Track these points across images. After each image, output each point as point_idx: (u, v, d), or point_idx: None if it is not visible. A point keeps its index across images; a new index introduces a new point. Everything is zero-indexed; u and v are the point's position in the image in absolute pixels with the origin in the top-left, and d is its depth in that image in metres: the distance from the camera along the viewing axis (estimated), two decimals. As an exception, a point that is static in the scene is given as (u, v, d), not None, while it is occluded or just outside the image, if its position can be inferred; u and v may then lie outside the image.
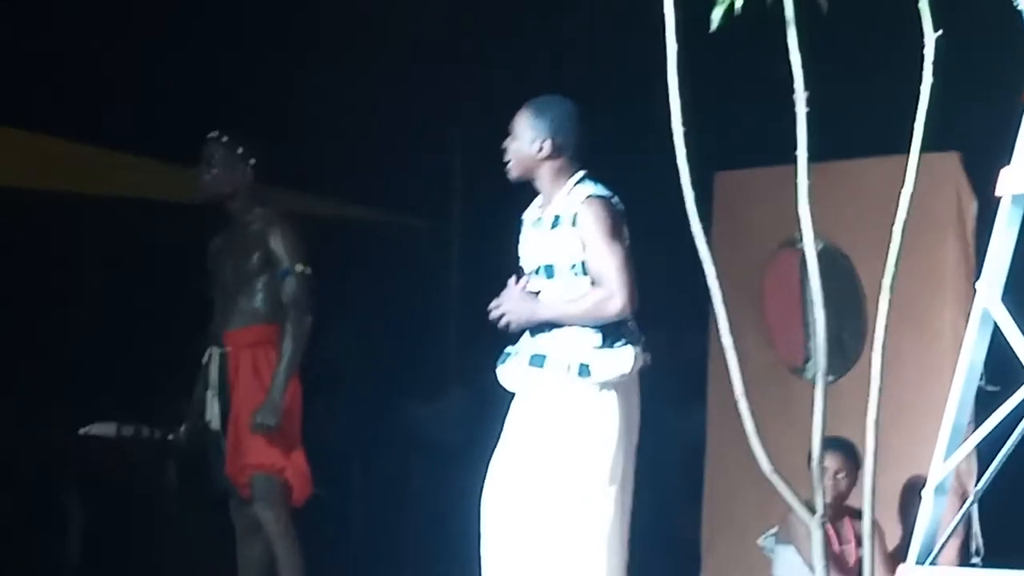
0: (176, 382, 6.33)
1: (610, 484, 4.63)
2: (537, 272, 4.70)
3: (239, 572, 6.06)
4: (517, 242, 4.86)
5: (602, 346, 4.61)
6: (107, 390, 8.46)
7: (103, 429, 6.69)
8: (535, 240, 4.74)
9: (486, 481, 4.68)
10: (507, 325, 4.66)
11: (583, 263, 4.64)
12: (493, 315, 4.67)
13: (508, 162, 4.73)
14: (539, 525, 4.57)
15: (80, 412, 7.94)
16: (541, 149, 4.70)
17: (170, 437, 6.27)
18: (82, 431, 6.67)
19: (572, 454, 4.59)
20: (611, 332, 4.63)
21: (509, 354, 4.72)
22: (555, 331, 4.62)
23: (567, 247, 4.65)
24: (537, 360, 4.63)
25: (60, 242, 8.80)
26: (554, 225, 4.69)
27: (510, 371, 4.70)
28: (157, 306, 8.70)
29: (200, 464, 6.22)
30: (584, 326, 4.61)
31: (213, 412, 5.96)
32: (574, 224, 4.64)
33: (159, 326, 8.58)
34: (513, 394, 4.76)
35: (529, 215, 4.83)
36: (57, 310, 8.91)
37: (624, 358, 4.64)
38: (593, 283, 4.63)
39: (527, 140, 4.71)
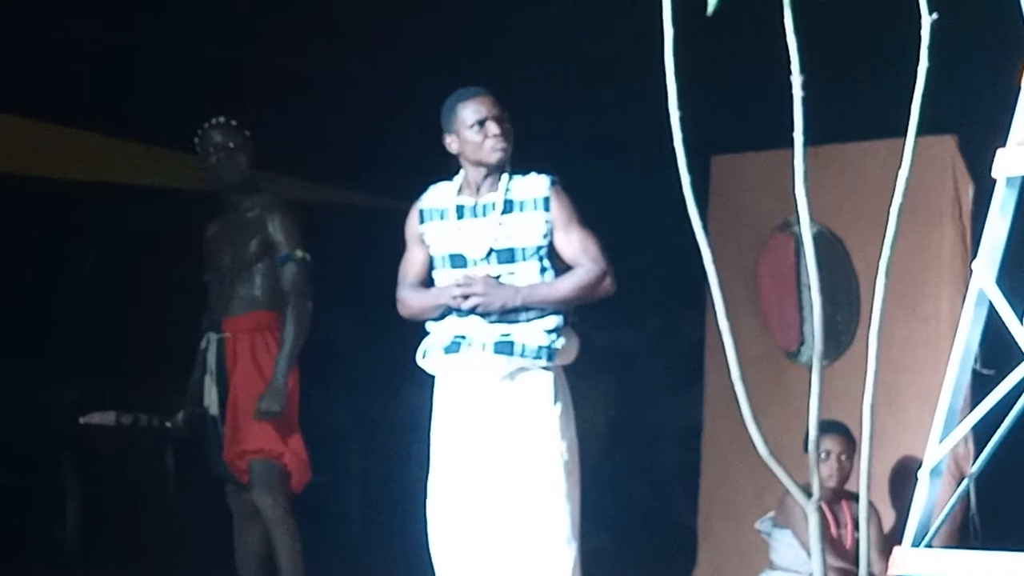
0: (174, 368, 6.33)
1: (578, 463, 4.65)
2: (487, 259, 4.66)
3: (237, 558, 6.07)
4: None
5: (561, 330, 4.63)
6: (106, 376, 8.46)
7: (102, 418, 6.70)
8: (479, 227, 4.68)
9: (467, 476, 4.62)
10: (472, 308, 4.61)
11: (548, 247, 4.65)
12: (466, 304, 4.61)
13: (505, 146, 4.69)
14: (522, 513, 4.58)
15: (80, 398, 7.93)
16: None
17: (168, 424, 6.27)
18: (82, 420, 6.67)
19: (554, 436, 4.60)
20: (567, 316, 4.66)
21: (459, 342, 4.65)
22: (519, 315, 4.62)
23: (534, 231, 4.65)
24: (504, 347, 4.61)
25: (60, 229, 8.80)
26: (508, 210, 4.67)
27: (467, 359, 4.63)
28: (155, 292, 8.70)
29: (198, 450, 6.23)
30: (551, 310, 4.61)
31: (211, 398, 5.97)
32: (547, 208, 4.64)
33: (156, 312, 8.59)
34: (432, 380, 4.74)
35: (447, 203, 4.74)
36: (55, 297, 8.91)
37: (576, 341, 4.68)
38: (552, 266, 4.64)
39: (509, 125, 4.71)
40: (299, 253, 5.88)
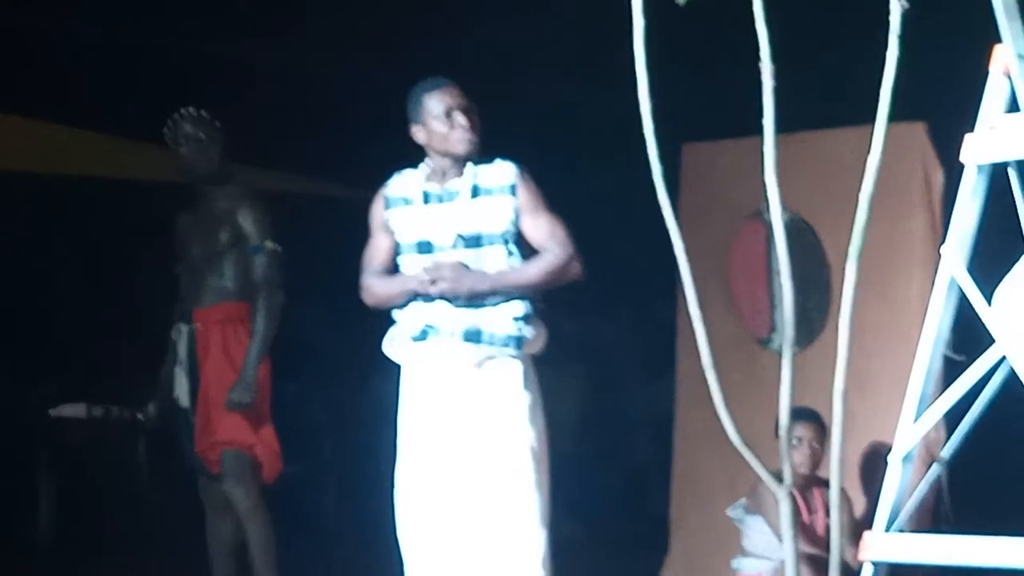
0: (146, 360, 6.31)
1: (547, 451, 4.66)
2: (454, 244, 4.65)
3: (209, 549, 6.06)
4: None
5: (529, 318, 4.63)
6: (77, 369, 8.44)
7: (73, 410, 6.70)
8: (446, 213, 4.67)
9: (435, 465, 4.60)
10: (440, 294, 4.59)
11: (515, 232, 4.65)
12: (434, 289, 4.61)
13: (472, 138, 4.69)
14: (491, 503, 4.58)
15: (51, 391, 7.92)
16: None
17: (139, 415, 6.26)
18: (52, 412, 6.67)
19: (523, 425, 4.60)
20: (535, 303, 4.66)
21: (427, 331, 4.63)
22: (486, 302, 4.61)
23: (501, 216, 4.65)
24: (473, 335, 4.61)
25: (28, 223, 8.76)
26: (475, 196, 4.65)
27: (435, 347, 4.62)
28: (124, 284, 8.68)
29: (170, 442, 6.21)
30: (518, 297, 4.61)
31: (182, 389, 5.96)
32: (514, 194, 4.64)
33: (127, 304, 8.57)
34: (398, 369, 4.73)
35: (413, 190, 4.73)
36: (25, 290, 8.88)
37: (544, 329, 4.68)
38: (519, 252, 4.65)
39: (476, 115, 4.71)
40: (269, 244, 5.87)
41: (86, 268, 9.03)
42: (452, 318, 4.61)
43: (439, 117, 4.65)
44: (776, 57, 2.68)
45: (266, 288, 5.83)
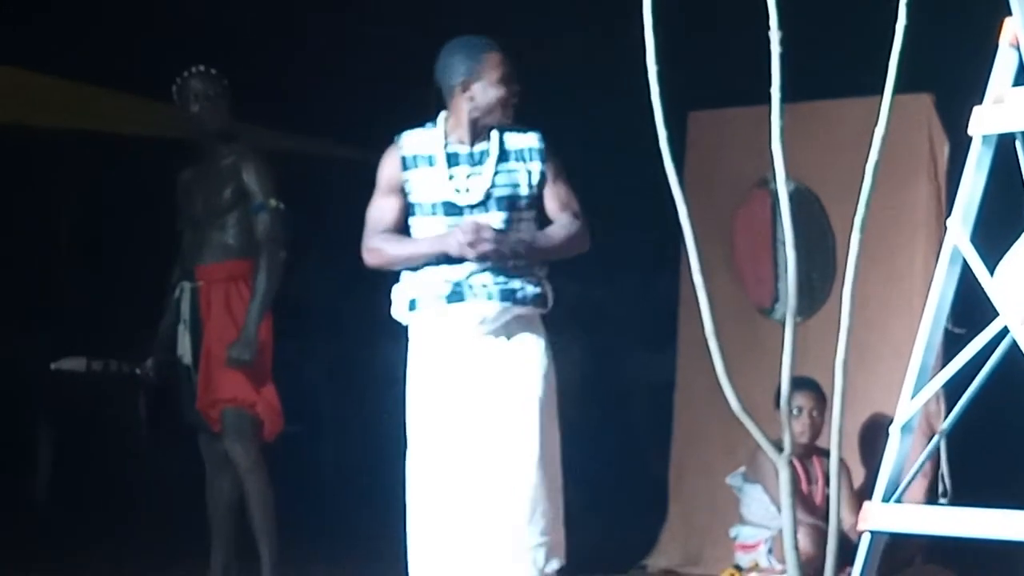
0: (146, 315, 6.31)
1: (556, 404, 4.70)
2: (485, 205, 4.63)
3: (208, 507, 6.06)
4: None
5: (546, 278, 4.68)
6: (77, 324, 8.45)
7: (73, 364, 6.70)
8: (475, 175, 4.64)
9: (457, 427, 4.59)
10: (481, 257, 4.56)
11: (537, 197, 4.68)
12: (471, 251, 4.54)
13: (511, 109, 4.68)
14: (518, 458, 4.58)
15: (50, 346, 7.92)
16: None
17: (137, 371, 6.24)
18: (53, 365, 6.67)
19: (551, 385, 4.64)
20: (547, 264, 4.72)
21: (458, 291, 4.59)
22: (515, 263, 4.62)
23: (529, 180, 4.66)
24: (507, 294, 4.60)
25: (30, 176, 8.76)
26: (504, 159, 4.64)
27: (473, 308, 4.58)
28: (126, 239, 8.69)
29: (169, 398, 6.22)
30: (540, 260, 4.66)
31: (185, 346, 5.96)
32: (542, 159, 4.65)
33: (128, 259, 8.57)
34: (403, 329, 4.72)
35: (435, 150, 4.66)
36: (27, 244, 8.89)
37: (551, 289, 4.72)
38: (536, 217, 4.68)
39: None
40: (273, 202, 5.86)
41: (88, 223, 9.03)
42: (483, 278, 4.59)
43: (497, 81, 4.62)
44: (784, 25, 2.67)
45: (268, 246, 5.82)
